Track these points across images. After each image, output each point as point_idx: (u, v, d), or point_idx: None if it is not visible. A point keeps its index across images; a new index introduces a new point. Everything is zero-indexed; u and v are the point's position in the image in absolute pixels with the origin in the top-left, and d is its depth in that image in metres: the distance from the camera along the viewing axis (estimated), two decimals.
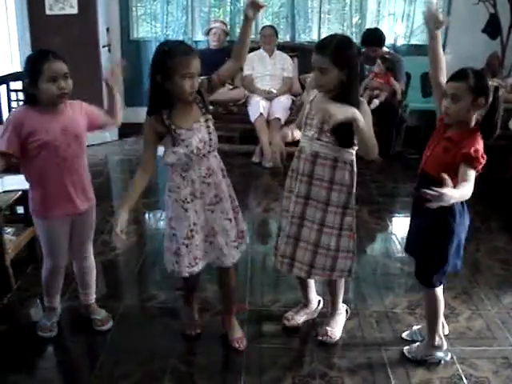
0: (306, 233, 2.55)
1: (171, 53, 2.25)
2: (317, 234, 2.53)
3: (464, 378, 2.51)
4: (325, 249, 2.54)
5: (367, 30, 5.88)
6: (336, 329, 2.79)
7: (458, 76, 2.28)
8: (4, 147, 2.39)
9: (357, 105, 2.37)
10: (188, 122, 2.35)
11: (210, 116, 2.43)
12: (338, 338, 2.76)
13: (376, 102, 5.55)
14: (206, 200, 2.43)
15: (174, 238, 2.46)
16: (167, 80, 2.26)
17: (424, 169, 2.42)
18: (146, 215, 4.31)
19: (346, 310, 2.91)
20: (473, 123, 2.30)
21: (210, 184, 2.42)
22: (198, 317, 2.86)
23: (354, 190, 2.54)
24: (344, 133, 2.39)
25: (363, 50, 5.80)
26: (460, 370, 2.56)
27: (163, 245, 2.54)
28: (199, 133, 2.36)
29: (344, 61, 2.33)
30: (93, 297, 2.91)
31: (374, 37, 5.64)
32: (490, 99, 2.26)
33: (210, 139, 2.40)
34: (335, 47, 2.33)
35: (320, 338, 2.74)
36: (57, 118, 2.47)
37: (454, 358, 2.64)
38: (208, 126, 2.40)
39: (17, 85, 4.36)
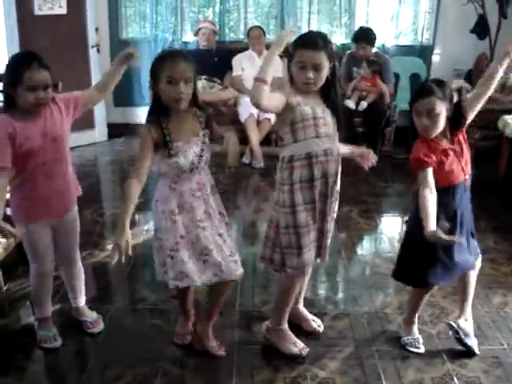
0: (329, 226, 2.58)
1: (159, 58, 2.26)
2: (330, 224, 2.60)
3: (455, 378, 2.52)
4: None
5: (360, 27, 5.87)
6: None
7: (425, 92, 2.35)
8: (9, 163, 2.36)
9: (342, 102, 2.43)
10: (186, 135, 2.33)
11: (207, 131, 2.41)
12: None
13: (364, 104, 5.56)
14: (196, 215, 2.39)
15: (160, 249, 2.44)
16: (156, 85, 2.25)
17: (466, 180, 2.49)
18: (136, 216, 4.29)
19: None
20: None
21: (199, 198, 2.40)
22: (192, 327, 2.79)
23: None
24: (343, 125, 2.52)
25: (351, 50, 5.82)
26: (451, 370, 2.57)
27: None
28: (196, 147, 2.34)
29: (332, 53, 2.36)
30: (82, 299, 2.89)
31: (365, 34, 5.65)
32: (455, 99, 2.37)
33: (202, 155, 2.37)
34: (325, 41, 2.34)
35: (317, 328, 2.82)
36: (36, 122, 2.42)
37: (445, 357, 2.65)
38: (204, 142, 2.38)
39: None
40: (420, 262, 2.51)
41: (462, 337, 2.65)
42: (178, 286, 2.46)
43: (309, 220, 2.46)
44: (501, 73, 2.51)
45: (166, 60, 2.23)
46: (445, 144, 2.41)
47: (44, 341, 2.73)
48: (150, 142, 2.27)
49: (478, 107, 2.50)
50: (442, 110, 2.34)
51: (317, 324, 2.85)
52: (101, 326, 2.85)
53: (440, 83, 2.38)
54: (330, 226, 2.59)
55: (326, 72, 2.34)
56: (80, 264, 2.84)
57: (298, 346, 2.68)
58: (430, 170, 2.35)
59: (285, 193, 2.45)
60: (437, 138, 2.40)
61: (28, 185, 2.47)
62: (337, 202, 2.58)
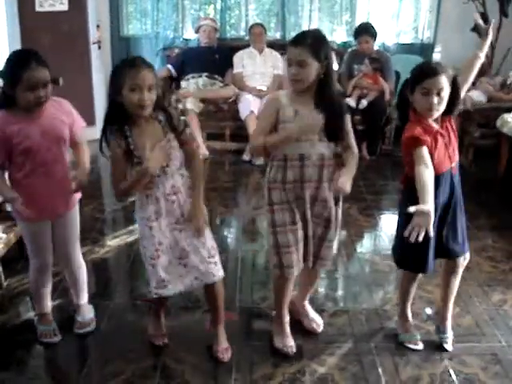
0: (317, 232, 2.55)
1: (120, 66, 2.25)
2: (324, 229, 2.55)
3: (453, 375, 2.53)
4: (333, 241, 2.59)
5: (361, 23, 5.88)
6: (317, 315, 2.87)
7: (435, 71, 2.34)
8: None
9: (339, 101, 2.44)
10: (148, 140, 2.28)
11: (172, 136, 2.36)
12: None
13: (364, 102, 5.57)
14: (172, 219, 2.39)
15: (145, 257, 2.44)
16: (118, 95, 2.23)
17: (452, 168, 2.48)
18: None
19: None
20: None
21: (174, 202, 2.38)
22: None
23: None
24: (337, 131, 2.43)
25: (352, 48, 5.83)
26: (449, 367, 2.58)
27: None
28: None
29: (322, 53, 2.32)
30: (84, 298, 2.90)
31: (366, 27, 5.66)
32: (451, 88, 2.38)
33: (175, 157, 2.36)
34: (313, 39, 2.33)
35: (319, 329, 2.81)
36: (36, 121, 2.42)
37: (444, 354, 2.66)
38: (171, 147, 2.34)
39: None
40: (417, 248, 2.47)
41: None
42: (161, 295, 2.45)
43: (286, 220, 2.47)
44: (482, 57, 2.55)
45: (127, 68, 2.21)
46: (436, 127, 2.41)
47: (44, 335, 2.74)
48: (118, 149, 2.28)
49: (463, 94, 2.50)
50: (447, 91, 2.34)
51: (316, 324, 2.83)
52: (89, 328, 2.81)
53: (440, 65, 2.38)
54: (319, 232, 2.54)
55: (313, 70, 2.31)
56: (82, 262, 2.83)
57: (286, 343, 2.68)
58: (425, 148, 2.34)
59: (265, 190, 2.52)
60: (429, 121, 2.40)
61: (27, 183, 2.48)
62: (329, 209, 2.52)
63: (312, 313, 2.88)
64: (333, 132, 2.41)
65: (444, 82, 2.33)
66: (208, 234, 2.49)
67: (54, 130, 2.47)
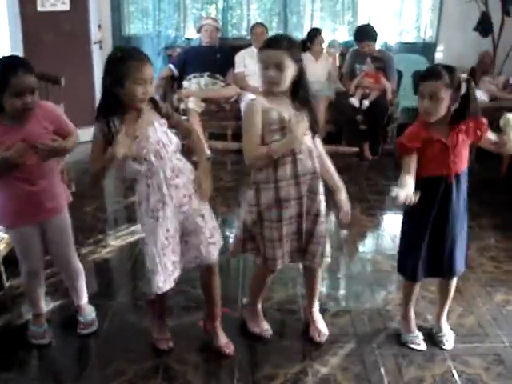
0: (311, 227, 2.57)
1: (123, 58, 2.23)
2: (312, 224, 2.55)
3: (456, 375, 2.52)
4: (323, 237, 2.59)
5: (359, 26, 5.89)
6: (324, 324, 2.82)
7: (432, 75, 2.34)
8: None
9: (310, 103, 2.48)
10: (140, 127, 2.30)
11: (164, 120, 2.38)
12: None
13: (366, 103, 5.56)
14: (176, 202, 2.39)
15: (147, 256, 2.42)
16: (118, 86, 2.22)
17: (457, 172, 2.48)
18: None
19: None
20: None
21: (177, 186, 2.38)
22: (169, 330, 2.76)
23: None
24: (316, 125, 2.52)
25: (354, 47, 5.82)
26: (452, 367, 2.57)
27: None
28: (154, 135, 2.31)
29: (297, 54, 2.36)
30: (83, 299, 2.89)
31: (366, 31, 5.66)
32: (464, 91, 2.37)
33: (170, 140, 2.36)
34: (288, 42, 2.37)
35: (318, 339, 2.74)
36: (17, 128, 2.40)
37: (446, 354, 2.66)
38: (165, 131, 2.36)
39: None
40: (409, 254, 2.57)
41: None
42: (167, 289, 2.42)
43: (273, 218, 2.49)
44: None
45: (132, 61, 2.21)
46: (435, 134, 2.39)
47: (33, 336, 2.74)
48: (102, 139, 2.27)
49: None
50: (446, 96, 2.31)
51: (318, 334, 2.77)
52: (92, 329, 2.82)
53: (450, 69, 2.35)
54: (309, 227, 2.55)
55: (290, 72, 2.34)
56: (78, 265, 2.81)
57: (261, 327, 2.79)
58: (413, 157, 2.38)
59: (251, 191, 2.54)
60: (431, 125, 2.39)
61: (11, 189, 2.47)
62: (319, 204, 2.53)
63: (318, 321, 2.83)
64: (315, 126, 2.50)
65: (436, 86, 2.30)
66: (209, 214, 2.52)
67: (34, 138, 2.41)
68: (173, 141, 2.38)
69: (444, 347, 2.69)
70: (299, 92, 2.42)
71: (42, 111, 2.49)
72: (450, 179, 2.44)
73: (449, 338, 2.73)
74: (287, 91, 2.42)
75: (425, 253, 2.53)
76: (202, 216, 2.46)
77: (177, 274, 2.44)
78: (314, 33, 5.87)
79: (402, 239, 2.67)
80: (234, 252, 2.71)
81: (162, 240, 2.37)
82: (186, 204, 2.42)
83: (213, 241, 2.50)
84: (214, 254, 2.50)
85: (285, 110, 2.41)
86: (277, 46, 2.33)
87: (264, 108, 2.39)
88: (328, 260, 2.65)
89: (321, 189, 2.53)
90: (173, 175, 2.37)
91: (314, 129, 2.49)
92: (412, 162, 2.38)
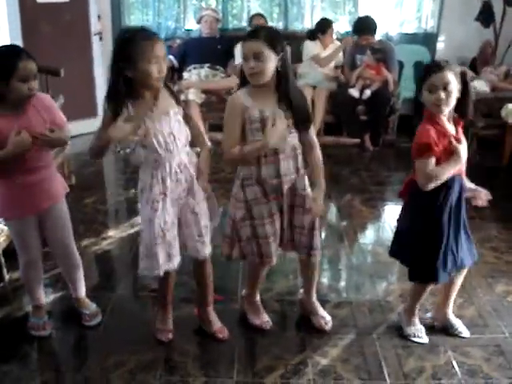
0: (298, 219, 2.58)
1: (133, 39, 2.19)
2: (303, 217, 2.55)
3: (456, 366, 2.52)
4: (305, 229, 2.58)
5: (359, 18, 5.87)
6: (326, 313, 2.83)
7: (443, 66, 2.34)
8: None
9: (300, 91, 2.47)
10: (153, 114, 2.28)
11: (179, 109, 2.38)
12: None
13: (367, 92, 5.53)
14: (175, 195, 2.39)
15: (146, 239, 2.43)
16: (131, 68, 2.18)
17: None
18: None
19: None
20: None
21: (180, 180, 2.38)
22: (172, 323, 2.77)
23: None
24: (304, 121, 2.47)
25: (355, 38, 5.79)
26: (452, 358, 2.57)
27: None
28: (167, 127, 2.30)
29: (278, 45, 2.32)
30: (82, 291, 2.89)
31: (365, 25, 5.63)
32: (459, 86, 2.38)
33: (181, 132, 2.35)
34: (268, 31, 2.37)
35: (325, 327, 2.75)
36: (17, 118, 2.39)
37: (447, 345, 2.66)
38: (178, 120, 2.35)
39: None
40: (428, 257, 2.51)
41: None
42: (166, 271, 2.46)
43: (264, 213, 2.50)
44: None
45: (142, 40, 2.18)
46: (450, 132, 2.40)
47: (32, 328, 2.75)
48: (109, 120, 2.25)
49: None
50: (455, 86, 2.34)
51: (324, 321, 2.79)
52: (98, 319, 2.83)
53: (446, 62, 2.39)
54: (299, 220, 2.56)
55: (270, 62, 2.31)
56: (77, 257, 2.81)
57: (261, 319, 2.79)
58: (433, 160, 2.35)
59: (236, 187, 2.53)
60: (443, 121, 2.39)
61: (9, 179, 2.46)
62: (305, 197, 2.53)
63: (321, 310, 2.84)
64: (300, 122, 2.45)
65: (449, 77, 2.32)
66: (204, 213, 2.51)
67: (34, 128, 2.41)
68: (184, 133, 2.37)
69: (463, 335, 2.70)
70: (285, 84, 2.38)
71: (39, 102, 2.48)
72: (463, 174, 2.46)
73: (462, 328, 2.73)
74: (271, 84, 2.39)
75: (444, 249, 2.50)
76: (196, 214, 2.46)
77: (171, 266, 2.46)
78: (328, 24, 5.84)
79: (414, 245, 2.56)
80: (223, 253, 2.68)
81: (158, 231, 2.38)
82: (184, 197, 2.43)
83: (201, 240, 2.50)
84: (200, 251, 2.51)
85: (268, 105, 2.38)
86: (255, 36, 2.32)
87: (245, 105, 2.38)
88: (318, 252, 2.64)
89: (306, 185, 2.54)
90: (178, 169, 2.37)
91: (299, 124, 2.44)
92: (432, 166, 2.35)
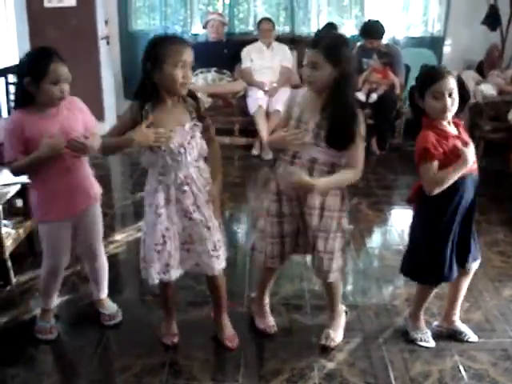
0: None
1: (163, 41, 2.24)
2: (313, 239, 2.50)
3: (463, 370, 2.51)
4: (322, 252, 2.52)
5: (367, 21, 5.86)
6: (338, 331, 2.72)
7: (445, 73, 2.37)
8: (13, 157, 2.38)
9: (352, 107, 2.37)
10: (169, 123, 2.28)
11: (199, 124, 2.36)
12: (339, 341, 2.69)
13: (374, 96, 5.53)
14: (183, 206, 2.38)
15: (145, 243, 2.44)
16: (157, 69, 2.20)
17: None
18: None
19: (346, 312, 2.83)
20: None
21: (185, 192, 2.36)
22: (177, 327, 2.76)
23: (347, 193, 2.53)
24: (339, 139, 2.36)
25: (361, 42, 5.79)
26: (459, 362, 2.56)
27: None
28: (179, 137, 2.29)
29: (337, 57, 2.28)
30: (104, 292, 2.90)
31: (372, 29, 5.61)
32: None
33: (194, 147, 2.34)
34: (328, 42, 2.33)
35: (323, 342, 2.66)
36: (54, 119, 2.42)
37: (453, 350, 2.64)
38: (193, 136, 2.33)
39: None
40: (429, 259, 2.51)
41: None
42: (161, 280, 2.46)
43: (273, 211, 2.53)
44: None
45: (174, 44, 2.22)
46: (452, 132, 2.40)
47: (39, 331, 2.74)
48: (129, 118, 2.30)
49: None
50: (457, 91, 2.36)
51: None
52: (118, 319, 2.84)
53: (444, 68, 2.45)
54: (315, 222, 2.48)
55: (325, 73, 2.28)
56: (104, 258, 2.84)
57: (266, 323, 2.77)
58: (435, 164, 2.35)
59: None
60: (443, 124, 2.39)
61: (47, 181, 2.47)
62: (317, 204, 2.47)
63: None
64: (334, 139, 2.35)
65: (453, 83, 2.34)
66: (217, 227, 2.48)
67: (71, 127, 2.45)
68: (197, 147, 2.36)
69: (471, 340, 2.69)
70: (335, 96, 2.33)
71: (72, 104, 2.52)
72: (475, 171, 2.46)
73: (469, 333, 2.71)
74: (325, 92, 2.36)
75: (449, 251, 2.49)
76: (208, 228, 2.43)
77: (166, 277, 2.45)
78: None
79: (418, 248, 2.56)
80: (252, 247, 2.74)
81: (158, 236, 2.38)
82: (194, 212, 2.39)
83: (216, 254, 2.46)
84: (214, 266, 2.47)
85: (313, 110, 2.38)
86: (314, 45, 2.33)
87: (297, 102, 2.46)
88: (334, 276, 2.56)
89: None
90: (184, 181, 2.35)
91: (331, 140, 2.35)
92: (435, 170, 2.36)
